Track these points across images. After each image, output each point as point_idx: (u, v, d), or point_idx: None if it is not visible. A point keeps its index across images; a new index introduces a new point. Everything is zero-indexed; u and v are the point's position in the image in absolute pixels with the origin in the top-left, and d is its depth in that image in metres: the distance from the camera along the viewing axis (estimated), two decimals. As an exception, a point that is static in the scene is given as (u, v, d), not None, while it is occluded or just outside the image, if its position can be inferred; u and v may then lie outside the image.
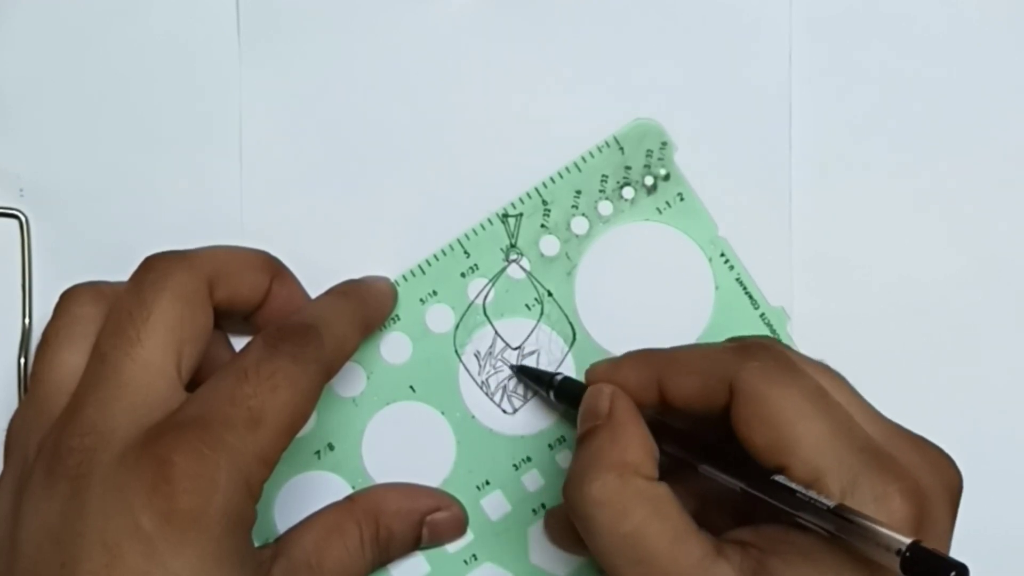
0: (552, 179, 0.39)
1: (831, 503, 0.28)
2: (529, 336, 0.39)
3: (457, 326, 0.39)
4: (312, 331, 0.32)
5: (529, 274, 0.39)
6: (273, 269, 0.36)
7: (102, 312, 0.32)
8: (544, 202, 0.39)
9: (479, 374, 0.39)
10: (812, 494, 0.28)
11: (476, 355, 0.39)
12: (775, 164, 0.40)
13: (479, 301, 0.39)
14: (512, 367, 0.39)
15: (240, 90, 0.39)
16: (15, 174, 0.39)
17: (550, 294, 0.39)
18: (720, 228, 0.39)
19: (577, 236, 0.39)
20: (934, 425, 0.39)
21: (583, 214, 0.39)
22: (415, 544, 0.37)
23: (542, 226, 0.39)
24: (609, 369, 0.34)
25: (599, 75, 0.40)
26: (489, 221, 0.39)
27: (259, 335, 0.32)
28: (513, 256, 0.39)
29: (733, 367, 0.31)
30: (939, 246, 0.40)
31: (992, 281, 0.40)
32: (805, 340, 0.39)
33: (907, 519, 0.28)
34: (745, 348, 0.32)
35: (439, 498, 0.38)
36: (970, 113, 0.40)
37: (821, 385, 0.30)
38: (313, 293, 0.38)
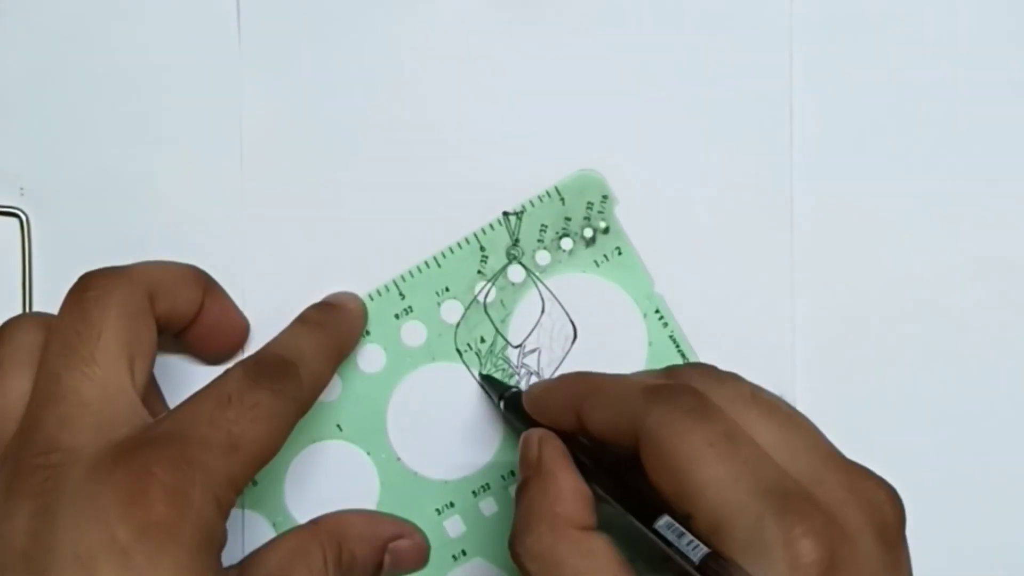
0: (491, 226, 0.39)
1: (702, 551, 0.27)
2: (530, 335, 0.39)
3: (458, 324, 0.39)
4: (291, 367, 0.32)
5: (530, 272, 0.39)
6: (204, 283, 0.36)
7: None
8: (482, 248, 0.39)
9: (480, 373, 0.39)
10: (685, 542, 0.28)
11: (477, 353, 0.39)
12: (776, 166, 0.40)
13: (480, 299, 0.39)
14: (481, 375, 0.39)
15: (241, 90, 0.39)
16: (15, 173, 0.39)
17: (552, 294, 0.39)
18: (656, 284, 0.39)
19: (513, 284, 0.39)
20: (935, 425, 0.39)
21: (520, 262, 0.39)
22: (376, 571, 0.37)
23: (478, 272, 0.39)
24: (543, 392, 0.34)
25: (598, 75, 0.40)
26: (491, 226, 0.39)
27: (238, 364, 0.32)
28: (514, 254, 0.39)
29: (640, 411, 0.30)
30: (942, 248, 0.40)
31: (995, 283, 0.40)
32: (806, 341, 0.39)
33: (816, 561, 0.26)
34: (656, 391, 0.30)
35: (402, 526, 0.38)
36: (972, 114, 0.40)
37: (731, 428, 0.29)
38: (314, 292, 0.38)
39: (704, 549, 0.27)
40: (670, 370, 0.33)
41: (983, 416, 0.40)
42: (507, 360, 0.39)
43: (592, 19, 0.40)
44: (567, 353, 0.39)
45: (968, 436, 0.40)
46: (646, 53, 0.40)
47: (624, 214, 0.39)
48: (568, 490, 0.30)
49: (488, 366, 0.39)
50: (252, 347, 0.39)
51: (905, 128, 0.40)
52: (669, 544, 0.28)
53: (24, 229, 0.39)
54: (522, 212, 0.39)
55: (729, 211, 0.40)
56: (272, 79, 0.39)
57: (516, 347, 0.39)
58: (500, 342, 0.39)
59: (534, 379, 0.39)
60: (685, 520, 0.28)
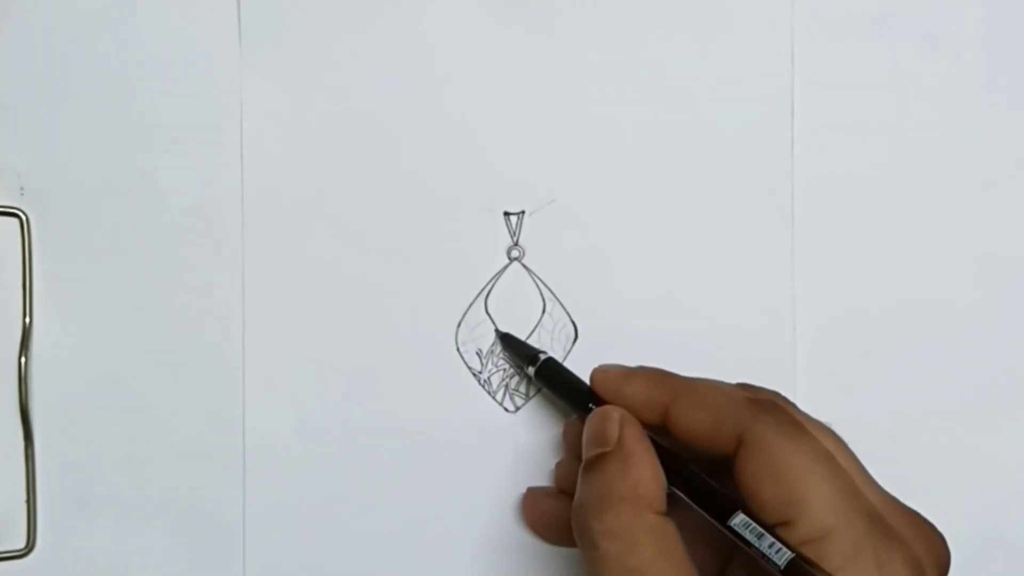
0: (492, 226, 0.39)
1: (787, 555, 0.29)
2: (531, 334, 0.39)
3: (459, 324, 0.39)
4: None
5: (531, 272, 0.39)
6: None
7: None
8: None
9: (481, 372, 0.39)
10: (767, 544, 0.29)
11: (478, 353, 0.39)
12: (777, 161, 0.40)
13: (481, 299, 0.39)
14: (498, 333, 0.39)
15: (241, 90, 0.39)
16: (16, 173, 0.39)
17: (553, 294, 0.39)
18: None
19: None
20: (935, 425, 0.39)
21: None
22: None
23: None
24: (620, 377, 0.34)
25: (599, 75, 0.40)
26: (492, 226, 0.39)
27: None
28: (515, 254, 0.39)
29: (747, 417, 0.31)
30: (943, 248, 0.40)
31: (996, 283, 0.40)
32: (806, 338, 0.39)
33: None
34: (759, 402, 0.32)
35: None
36: (973, 113, 0.40)
37: (829, 450, 0.31)
38: (315, 292, 0.38)
39: (788, 553, 0.29)
40: (746, 387, 0.34)
41: (984, 415, 0.40)
42: (508, 360, 0.39)
43: (593, 19, 0.40)
44: (568, 353, 0.39)
45: (969, 436, 0.40)
46: (647, 52, 0.40)
47: (625, 213, 0.39)
48: (650, 474, 0.31)
49: (489, 366, 0.39)
50: (250, 346, 0.39)
51: (906, 128, 0.40)
52: (747, 543, 0.30)
53: (24, 229, 0.39)
54: (522, 212, 0.39)
55: (730, 211, 0.40)
56: (273, 79, 0.39)
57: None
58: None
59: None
60: (770, 526, 0.30)
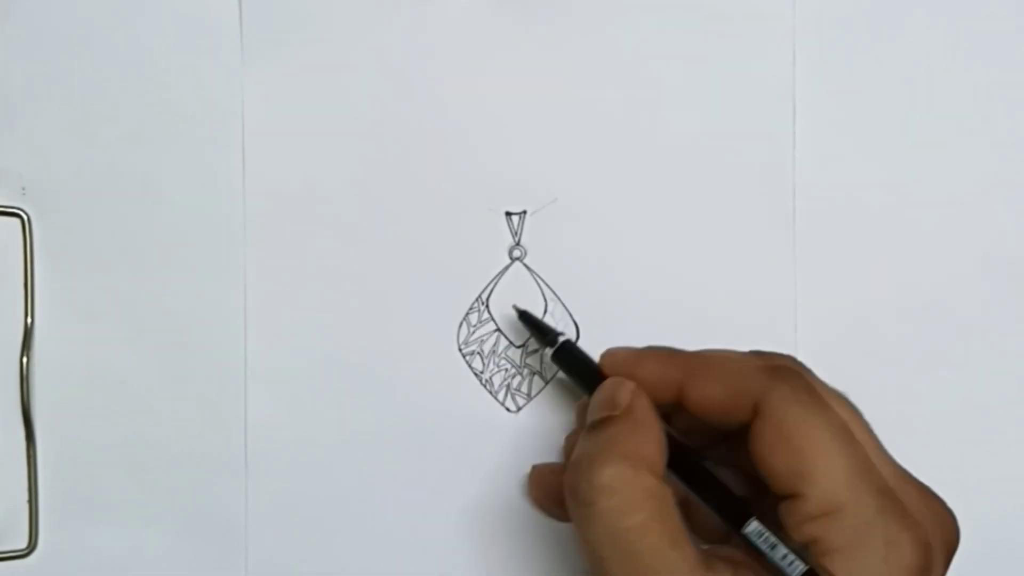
0: (493, 225, 0.39)
1: (800, 567, 0.29)
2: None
3: (460, 324, 0.39)
4: None
5: (532, 272, 0.39)
6: None
7: None
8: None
9: (483, 372, 0.39)
10: (779, 556, 0.29)
11: (480, 353, 0.39)
12: (779, 161, 0.40)
13: (483, 298, 0.39)
14: (516, 309, 0.38)
15: (242, 89, 0.39)
16: (17, 173, 0.39)
17: (554, 293, 0.39)
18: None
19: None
20: (935, 424, 0.39)
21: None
22: None
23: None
24: (630, 358, 0.34)
25: (601, 74, 0.40)
26: (493, 226, 0.39)
27: None
28: (517, 254, 0.39)
29: (762, 386, 0.31)
30: (945, 247, 0.40)
31: (999, 281, 0.40)
32: (808, 338, 0.39)
33: (914, 568, 0.28)
34: (774, 369, 0.31)
35: None
36: (974, 112, 0.40)
37: (845, 421, 0.30)
38: (316, 292, 0.38)
39: (802, 565, 0.28)
40: (760, 354, 0.33)
41: (986, 415, 0.40)
42: (510, 360, 0.39)
43: (595, 18, 0.40)
44: (570, 352, 0.39)
45: (971, 435, 0.40)
46: (649, 52, 0.40)
47: (626, 213, 0.39)
48: (655, 441, 0.31)
49: (491, 366, 0.39)
50: (252, 346, 0.39)
51: (908, 127, 0.40)
52: (760, 552, 0.29)
53: (26, 228, 0.39)
54: (524, 212, 0.39)
55: (731, 211, 0.40)
56: (274, 80, 0.39)
57: (519, 347, 0.39)
58: (503, 342, 0.39)
59: (537, 379, 0.39)
60: (780, 501, 0.30)
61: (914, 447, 0.39)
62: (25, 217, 0.39)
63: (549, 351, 0.36)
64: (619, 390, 0.32)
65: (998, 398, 0.40)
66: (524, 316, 0.38)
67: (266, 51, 0.39)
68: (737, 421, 0.31)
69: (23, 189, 0.39)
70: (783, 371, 0.31)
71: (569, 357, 0.36)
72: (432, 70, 0.39)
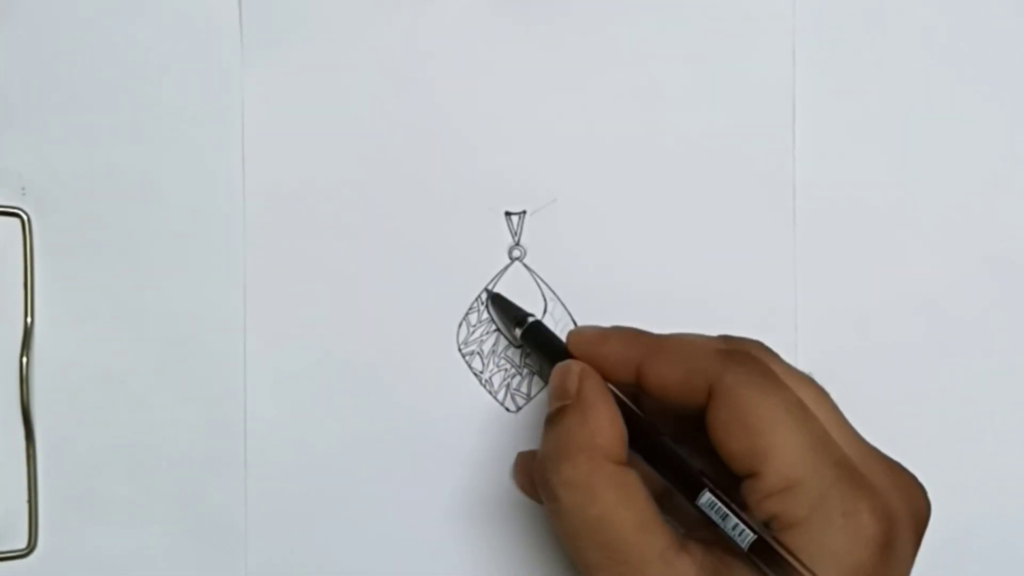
0: (493, 225, 0.39)
1: (749, 537, 0.28)
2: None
3: (460, 324, 0.39)
4: None
5: (532, 272, 0.39)
6: None
7: None
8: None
9: (483, 372, 0.39)
10: (730, 526, 0.29)
11: (479, 353, 0.39)
12: (779, 161, 0.40)
13: (482, 298, 0.39)
14: (488, 292, 0.38)
15: (242, 89, 0.39)
16: (17, 173, 0.39)
17: (554, 293, 0.39)
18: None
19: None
20: (935, 424, 0.39)
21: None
22: None
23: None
24: (595, 338, 0.34)
25: (601, 74, 0.40)
26: (493, 226, 0.39)
27: None
28: (516, 254, 0.39)
29: (717, 369, 0.31)
30: (945, 247, 0.40)
31: (1000, 281, 0.40)
32: (808, 338, 0.39)
33: (874, 537, 0.28)
34: (731, 353, 0.31)
35: None
36: (974, 111, 0.40)
37: (801, 399, 0.30)
38: (316, 292, 0.38)
39: (751, 534, 0.29)
40: (727, 339, 0.33)
41: (986, 415, 0.40)
42: (510, 359, 0.39)
43: (595, 18, 0.40)
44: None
45: (971, 435, 0.40)
46: (649, 51, 0.40)
47: (626, 212, 0.39)
48: (608, 424, 0.31)
49: (491, 366, 0.39)
50: (252, 346, 0.39)
51: (908, 127, 0.40)
52: (713, 523, 0.29)
53: (26, 229, 0.39)
54: (523, 212, 0.39)
55: (731, 210, 0.40)
56: (274, 80, 0.39)
57: (519, 347, 0.39)
58: (502, 341, 0.39)
59: (536, 379, 0.39)
60: (742, 481, 0.29)
61: (914, 447, 0.39)
62: (25, 217, 0.39)
63: (519, 332, 0.37)
64: (567, 377, 0.32)
65: (998, 398, 0.40)
66: (495, 299, 0.38)
67: (266, 51, 0.39)
68: (694, 404, 0.31)
69: (23, 189, 0.39)
70: (739, 355, 0.31)
71: (539, 337, 0.36)
72: (432, 70, 0.39)
